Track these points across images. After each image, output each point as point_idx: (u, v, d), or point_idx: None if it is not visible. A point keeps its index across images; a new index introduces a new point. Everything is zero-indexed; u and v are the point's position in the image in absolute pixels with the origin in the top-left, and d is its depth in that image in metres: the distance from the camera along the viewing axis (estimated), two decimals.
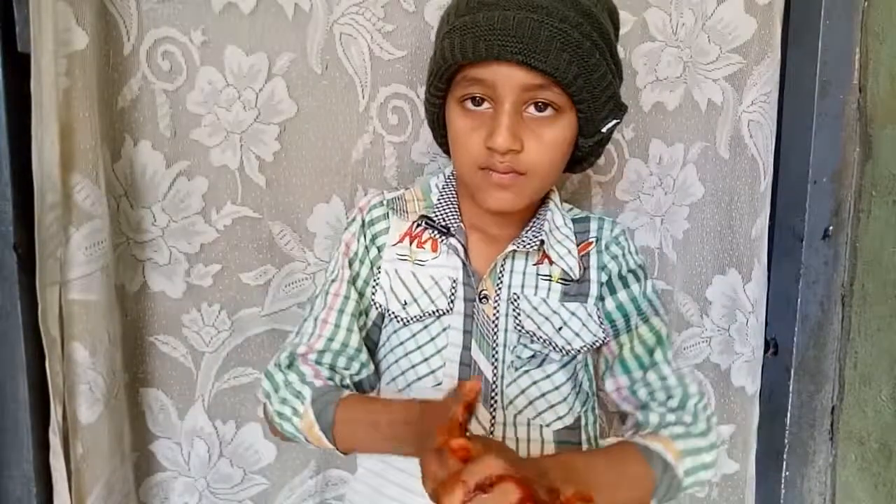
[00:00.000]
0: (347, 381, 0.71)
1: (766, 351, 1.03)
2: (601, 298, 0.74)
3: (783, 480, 1.05)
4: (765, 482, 1.06)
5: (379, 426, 0.63)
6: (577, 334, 0.72)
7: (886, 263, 0.94)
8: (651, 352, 0.72)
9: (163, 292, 0.87)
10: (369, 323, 0.75)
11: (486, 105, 0.65)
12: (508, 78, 0.62)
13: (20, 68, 0.74)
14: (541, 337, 0.71)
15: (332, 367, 0.70)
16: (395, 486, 0.72)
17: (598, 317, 0.74)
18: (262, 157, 0.86)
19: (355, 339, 0.71)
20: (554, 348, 0.71)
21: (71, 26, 0.73)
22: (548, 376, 0.72)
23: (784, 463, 1.04)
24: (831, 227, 1.00)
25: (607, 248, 0.76)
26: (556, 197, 0.77)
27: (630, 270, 0.75)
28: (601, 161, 0.94)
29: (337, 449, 0.66)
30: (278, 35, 0.84)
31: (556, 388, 0.72)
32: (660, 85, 0.94)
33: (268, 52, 0.84)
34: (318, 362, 0.70)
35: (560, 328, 0.72)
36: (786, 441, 1.03)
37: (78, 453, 0.78)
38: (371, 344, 0.75)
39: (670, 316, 1.00)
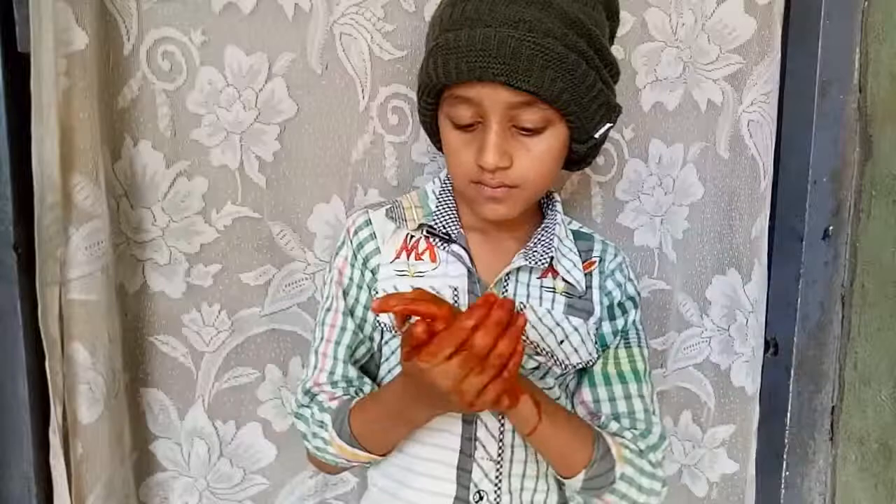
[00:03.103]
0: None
1: (766, 351, 1.03)
2: (601, 321, 0.75)
3: (783, 480, 1.04)
4: (765, 482, 1.05)
5: (388, 404, 0.66)
6: (575, 350, 0.72)
7: (886, 263, 0.94)
8: (623, 378, 0.73)
9: (163, 292, 0.87)
10: (374, 347, 0.76)
11: (474, 121, 0.65)
12: (493, 97, 0.61)
13: (20, 68, 0.74)
14: (544, 349, 0.71)
15: (345, 389, 0.73)
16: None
17: (594, 337, 0.74)
18: (262, 157, 0.86)
19: (352, 371, 0.73)
20: (555, 362, 0.72)
21: (71, 26, 0.73)
22: (548, 388, 0.72)
23: (784, 463, 1.04)
24: (831, 227, 1.00)
25: (612, 273, 0.76)
26: (560, 208, 0.77)
27: (629, 298, 0.76)
28: (601, 161, 0.94)
29: (374, 454, 0.69)
30: (278, 35, 0.84)
31: (556, 399, 0.73)
32: (659, 85, 0.94)
33: (268, 52, 0.84)
34: (332, 385, 0.72)
35: (561, 341, 0.72)
36: (786, 441, 1.03)
37: (78, 453, 0.78)
38: (374, 366, 0.77)
39: (671, 316, 1.00)
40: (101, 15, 0.78)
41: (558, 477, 0.70)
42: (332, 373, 0.73)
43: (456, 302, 0.71)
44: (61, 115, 0.72)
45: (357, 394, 0.72)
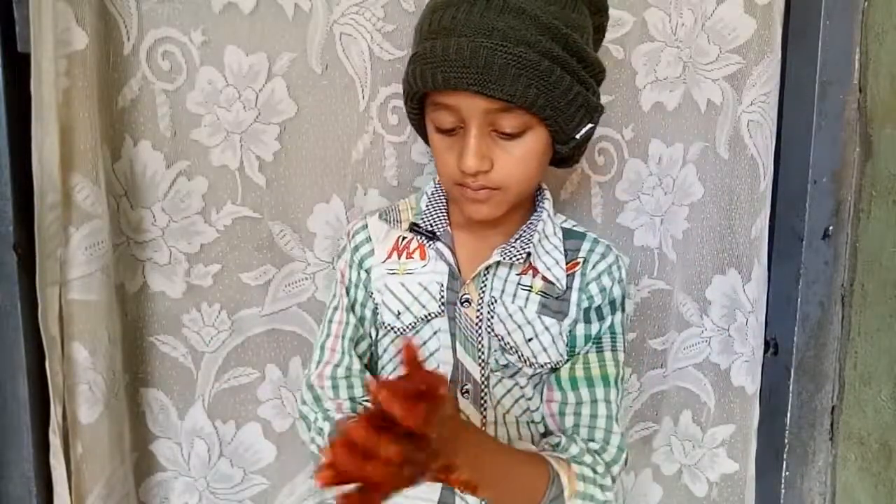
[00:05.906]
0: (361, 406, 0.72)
1: (766, 351, 1.03)
2: (576, 322, 0.74)
3: (783, 480, 1.05)
4: (765, 482, 1.06)
5: None
6: (544, 349, 0.73)
7: (886, 263, 0.94)
8: (591, 383, 0.72)
9: (163, 292, 0.87)
10: (373, 343, 0.77)
11: (456, 126, 0.65)
12: (471, 104, 0.62)
13: (20, 68, 0.74)
14: (509, 344, 0.72)
15: (352, 399, 0.72)
16: None
17: (566, 337, 0.74)
18: (262, 157, 0.86)
19: (356, 363, 0.74)
20: (524, 361, 0.72)
21: (71, 26, 0.73)
22: (520, 387, 0.74)
23: (784, 463, 1.04)
24: (831, 227, 1.00)
25: (598, 277, 0.75)
26: (548, 205, 0.76)
27: (610, 302, 0.75)
28: (601, 161, 0.95)
29: None
30: (278, 35, 0.84)
31: (529, 398, 0.74)
32: (659, 85, 0.94)
33: (268, 52, 0.84)
34: (334, 387, 0.72)
35: (530, 339, 0.72)
36: (786, 441, 1.03)
37: (78, 453, 0.78)
38: (374, 363, 0.77)
39: (671, 316, 1.00)
40: (101, 15, 0.78)
41: None
42: (337, 365, 0.73)
43: (442, 297, 0.72)
44: (61, 115, 0.72)
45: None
